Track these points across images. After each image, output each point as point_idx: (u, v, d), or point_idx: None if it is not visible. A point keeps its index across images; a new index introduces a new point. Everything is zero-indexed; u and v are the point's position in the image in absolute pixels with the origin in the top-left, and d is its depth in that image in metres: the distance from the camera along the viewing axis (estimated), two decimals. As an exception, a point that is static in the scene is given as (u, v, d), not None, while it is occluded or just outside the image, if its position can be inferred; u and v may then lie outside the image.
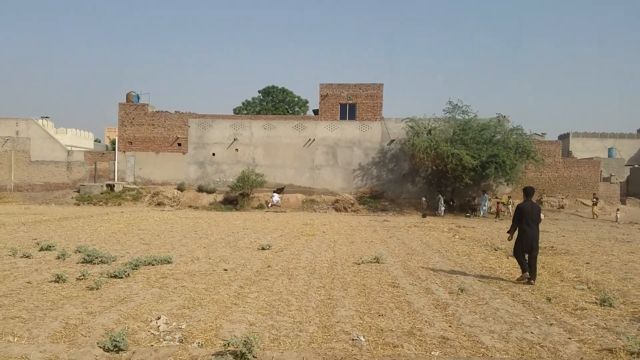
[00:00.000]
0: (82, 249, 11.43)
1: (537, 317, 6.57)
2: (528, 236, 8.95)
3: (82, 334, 5.50)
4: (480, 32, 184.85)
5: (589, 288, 8.48)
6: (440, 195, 30.52)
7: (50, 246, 11.96)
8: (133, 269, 9.30)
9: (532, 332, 5.85)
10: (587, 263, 11.45)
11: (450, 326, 6.12)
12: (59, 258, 10.61)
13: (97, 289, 7.64)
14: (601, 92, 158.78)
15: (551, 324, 6.21)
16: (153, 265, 9.92)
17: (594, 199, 30.20)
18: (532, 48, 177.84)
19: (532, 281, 8.80)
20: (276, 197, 32.10)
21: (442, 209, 29.76)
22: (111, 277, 8.64)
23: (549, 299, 7.51)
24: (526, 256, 8.98)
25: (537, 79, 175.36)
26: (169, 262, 10.19)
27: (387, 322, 6.21)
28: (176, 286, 8.02)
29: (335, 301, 7.25)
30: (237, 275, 9.08)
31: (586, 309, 6.95)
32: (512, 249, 9.51)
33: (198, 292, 7.65)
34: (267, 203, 31.94)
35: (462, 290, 8.16)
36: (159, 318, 6.00)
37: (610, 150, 42.96)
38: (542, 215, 9.51)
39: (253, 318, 6.22)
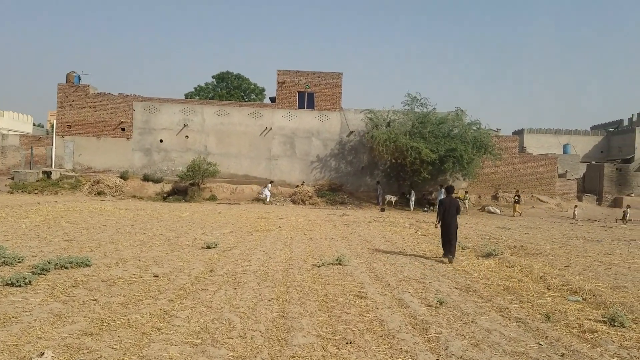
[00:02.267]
0: (-15, 247, 9.40)
1: (541, 343, 5.29)
2: (446, 224, 10.89)
3: None
4: (437, 25, 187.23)
5: (585, 300, 7.34)
6: (379, 186, 30.52)
7: (-51, 242, 9.88)
8: (39, 274, 7.47)
9: (543, 368, 4.55)
10: (566, 266, 10.45)
11: (438, 359, 4.74)
12: (-47, 258, 8.58)
13: (-23, 305, 5.81)
14: (555, 89, 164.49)
15: (562, 355, 4.94)
16: (67, 268, 8.06)
17: (516, 197, 28.42)
18: (488, 43, 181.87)
19: (447, 259, 10.72)
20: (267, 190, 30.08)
21: (380, 199, 29.77)
22: (6, 285, 6.81)
23: (547, 317, 6.25)
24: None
25: (492, 74, 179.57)
26: (87, 265, 8.33)
27: (358, 355, 4.76)
28: (86, 300, 6.25)
29: (290, 321, 5.73)
30: (169, 284, 7.37)
31: (596, 331, 5.71)
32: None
33: (112, 309, 5.91)
34: (260, 195, 30.08)
35: (440, 303, 6.87)
36: (42, 354, 4.27)
37: (565, 146, 43.28)
38: (462, 208, 11.76)
39: (177, 352, 4.58)
